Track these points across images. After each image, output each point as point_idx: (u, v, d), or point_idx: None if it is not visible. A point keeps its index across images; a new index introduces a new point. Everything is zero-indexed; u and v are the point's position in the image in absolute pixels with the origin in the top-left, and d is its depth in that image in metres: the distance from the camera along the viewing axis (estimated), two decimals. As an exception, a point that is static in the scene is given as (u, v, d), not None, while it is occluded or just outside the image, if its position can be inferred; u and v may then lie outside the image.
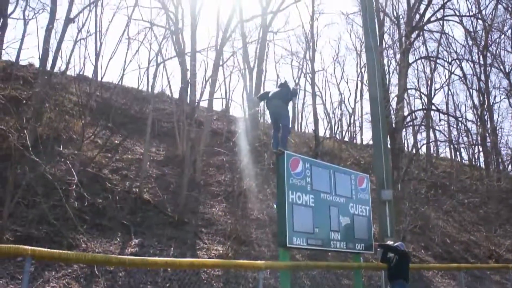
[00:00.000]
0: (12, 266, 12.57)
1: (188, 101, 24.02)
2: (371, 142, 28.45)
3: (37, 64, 25.48)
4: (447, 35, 34.39)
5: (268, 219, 20.30)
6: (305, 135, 35.26)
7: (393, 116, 25.45)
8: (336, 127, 36.97)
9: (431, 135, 36.13)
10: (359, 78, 39.73)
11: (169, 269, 13.90)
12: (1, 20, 22.38)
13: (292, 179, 9.31)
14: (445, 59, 35.06)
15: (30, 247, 5.19)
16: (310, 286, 16.15)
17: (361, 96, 38.69)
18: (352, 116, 38.15)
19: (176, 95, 30.61)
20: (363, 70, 37.77)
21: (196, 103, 23.82)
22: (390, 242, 11.84)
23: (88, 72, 39.93)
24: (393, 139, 23.70)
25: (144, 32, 38.39)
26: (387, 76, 28.94)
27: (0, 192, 15.09)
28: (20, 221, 14.71)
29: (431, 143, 36.85)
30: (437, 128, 33.70)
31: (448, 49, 36.03)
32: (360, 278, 11.45)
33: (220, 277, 15.21)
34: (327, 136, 33.45)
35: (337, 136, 34.46)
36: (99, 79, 25.74)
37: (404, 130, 29.93)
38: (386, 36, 30.40)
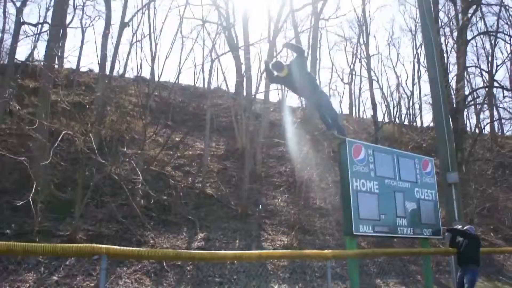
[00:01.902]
0: (87, 264, 13.12)
1: (245, 94, 24.19)
2: (432, 124, 27.70)
3: (96, 69, 26.40)
4: (507, 7, 32.78)
5: (331, 207, 20.22)
6: (364, 120, 34.82)
7: (453, 96, 24.73)
8: (394, 111, 36.20)
9: (495, 113, 34.75)
10: (416, 60, 38.68)
11: (235, 261, 14.13)
12: (61, 31, 23.21)
13: (355, 166, 9.20)
14: (506, 33, 33.45)
15: (104, 246, 5.41)
16: (377, 273, 16.02)
17: (419, 77, 37.70)
18: (411, 99, 37.18)
19: (232, 90, 30.92)
20: (419, 51, 36.69)
21: (253, 96, 23.95)
22: (458, 226, 11.55)
23: (146, 73, 40.88)
24: (455, 119, 22.97)
25: (197, 30, 38.94)
26: (445, 55, 28.02)
27: (71, 194, 15.76)
28: (91, 220, 15.32)
29: (495, 122, 35.47)
30: (501, 105, 32.44)
31: (509, 22, 34.33)
32: (429, 264, 11.24)
33: (286, 267, 15.30)
34: (386, 120, 32.86)
35: (397, 120, 33.79)
36: (156, 79, 26.29)
37: (466, 109, 28.97)
38: (441, 14, 29.38)
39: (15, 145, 17.46)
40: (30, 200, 13.65)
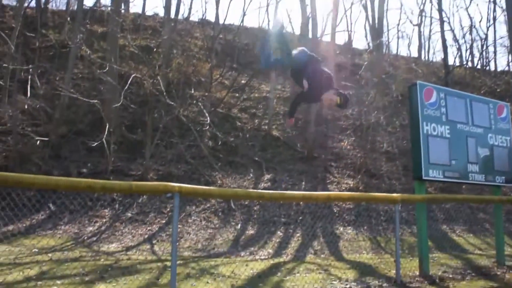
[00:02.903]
0: (158, 202, 13.64)
1: (310, 36, 23.74)
2: (507, 69, 26.37)
3: (162, 13, 26.57)
4: None
5: (398, 151, 19.88)
6: (433, 64, 33.48)
7: (532, 39, 23.27)
8: (467, 53, 34.51)
9: None
10: (492, -1, 36.36)
11: (301, 202, 14.24)
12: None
13: (426, 110, 8.88)
14: None
15: (177, 184, 5.53)
16: (443, 219, 15.78)
17: (494, 18, 35.54)
18: (485, 42, 35.21)
19: (297, 32, 30.41)
20: (496, -11, 34.46)
21: (318, 38, 23.49)
22: (533, 175, 11.05)
23: (210, 16, 40.76)
24: (533, 62, 21.72)
25: (261, -30, 38.07)
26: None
27: (141, 136, 16.25)
28: (161, 161, 15.81)
29: None
30: None
31: None
32: (501, 212, 10.87)
33: (351, 209, 15.31)
34: (457, 64, 31.44)
35: (468, 63, 32.25)
36: (221, 22, 26.19)
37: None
38: None
39: (88, 89, 18.05)
40: (104, 141, 14.20)
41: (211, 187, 6.25)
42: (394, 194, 8.03)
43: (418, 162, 8.48)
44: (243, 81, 22.30)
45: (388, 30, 33.45)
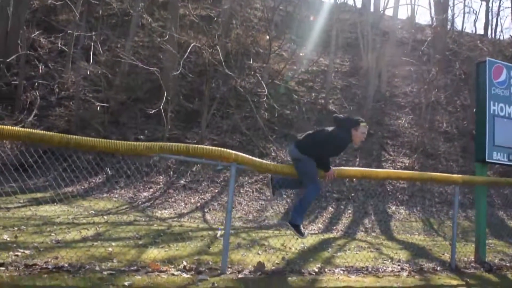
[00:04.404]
0: (211, 171, 13.79)
1: (372, 9, 23.18)
2: None
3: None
4: None
5: (457, 132, 19.28)
6: (500, 42, 32.04)
7: None
8: (538, 31, 32.75)
9: None
10: None
11: (354, 179, 14.07)
12: None
13: (494, 89, 8.47)
14: None
15: (234, 152, 5.53)
16: (501, 205, 15.27)
17: None
18: (560, 18, 33.26)
19: (359, 4, 29.74)
20: None
21: (381, 12, 22.88)
22: None
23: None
24: None
25: None
26: None
27: (198, 105, 16.38)
28: (216, 130, 15.93)
29: None
30: None
31: None
32: None
33: (405, 189, 15.05)
34: (527, 42, 29.94)
35: (540, 41, 30.65)
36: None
37: None
38: None
39: (147, 57, 18.27)
40: (161, 109, 14.39)
41: (268, 162, 6.19)
42: (455, 175, 7.75)
43: (482, 144, 8.13)
44: (301, 54, 22.04)
45: (453, 5, 32.21)
